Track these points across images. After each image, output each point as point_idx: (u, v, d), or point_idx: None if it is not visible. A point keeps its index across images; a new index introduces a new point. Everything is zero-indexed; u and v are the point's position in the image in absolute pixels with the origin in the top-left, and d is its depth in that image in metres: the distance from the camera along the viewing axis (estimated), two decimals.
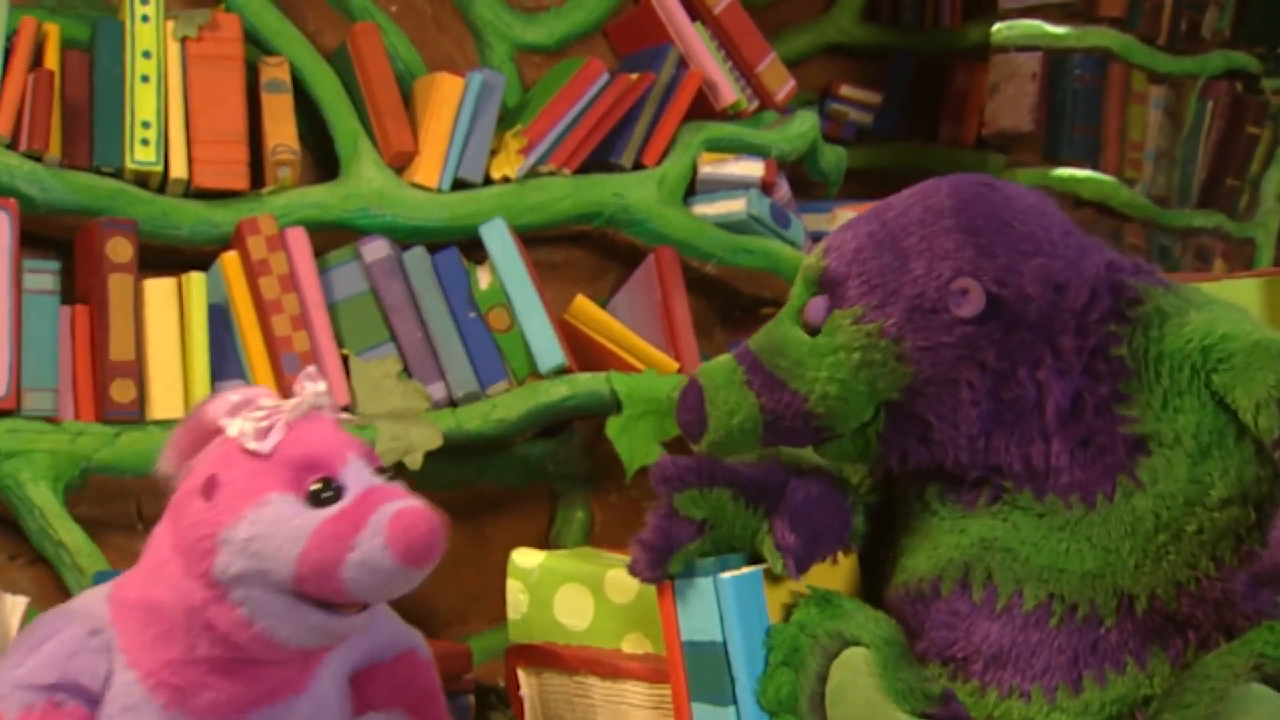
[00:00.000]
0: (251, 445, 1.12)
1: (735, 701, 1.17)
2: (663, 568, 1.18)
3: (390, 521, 1.08)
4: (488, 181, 1.91)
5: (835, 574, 1.28)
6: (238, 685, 1.13)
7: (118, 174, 1.68)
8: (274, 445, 1.12)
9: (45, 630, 1.14)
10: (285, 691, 1.16)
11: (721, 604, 1.17)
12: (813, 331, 1.15)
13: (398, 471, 1.71)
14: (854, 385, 1.12)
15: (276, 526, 1.09)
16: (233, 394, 1.16)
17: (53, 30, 1.66)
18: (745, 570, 1.20)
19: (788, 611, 1.20)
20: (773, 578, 1.21)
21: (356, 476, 1.13)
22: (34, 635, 1.14)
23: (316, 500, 1.11)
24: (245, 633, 1.10)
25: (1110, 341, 1.11)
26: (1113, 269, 1.14)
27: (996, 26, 2.39)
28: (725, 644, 1.17)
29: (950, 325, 1.10)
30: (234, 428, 1.13)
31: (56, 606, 1.19)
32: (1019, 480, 1.14)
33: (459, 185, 1.88)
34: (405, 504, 1.10)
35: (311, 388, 1.17)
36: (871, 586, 1.30)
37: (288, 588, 1.09)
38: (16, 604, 1.31)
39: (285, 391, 1.69)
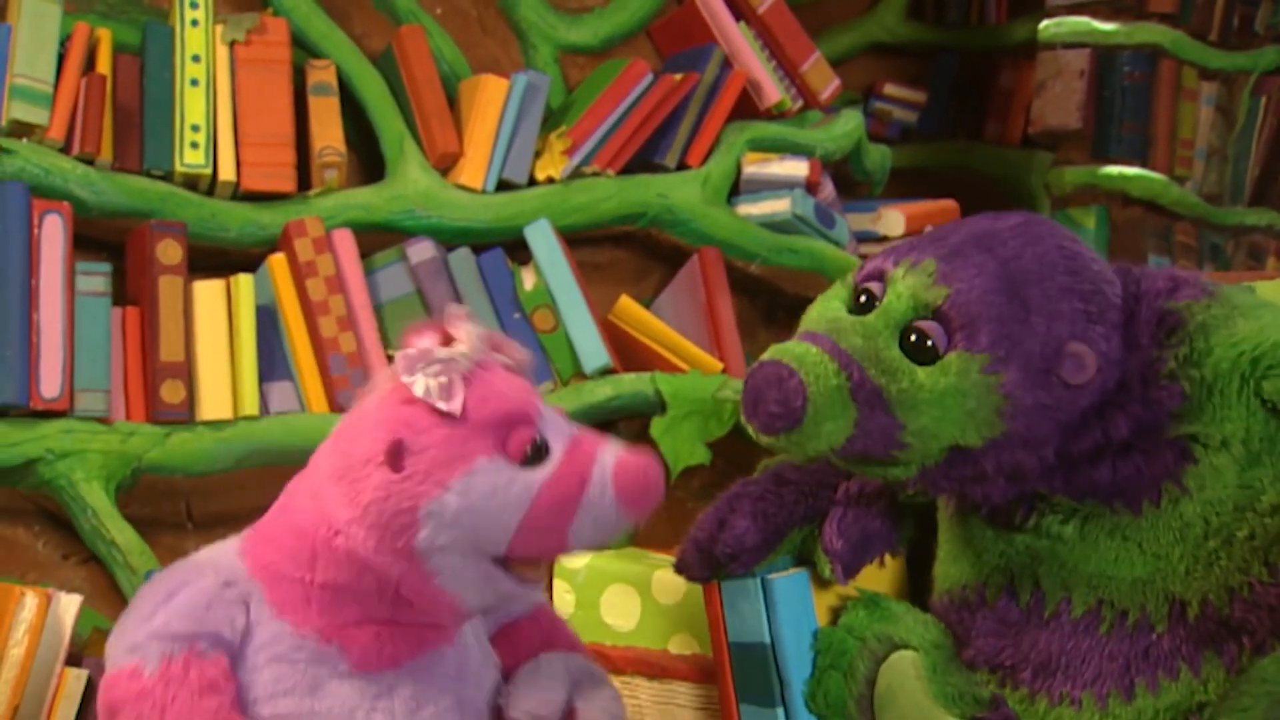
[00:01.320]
0: (442, 406, 1.02)
1: (783, 703, 1.16)
2: (715, 570, 1.18)
3: (615, 475, 1.03)
4: (532, 182, 1.92)
5: (882, 576, 1.27)
6: (399, 639, 1.08)
7: (167, 177, 1.69)
8: (462, 404, 1.03)
9: (172, 582, 1.08)
10: (439, 640, 1.11)
11: (769, 605, 1.17)
12: (918, 357, 1.08)
13: None
14: (952, 430, 1.07)
15: (492, 496, 1.02)
16: (403, 352, 1.07)
17: (105, 35, 1.68)
18: (793, 571, 1.20)
19: (835, 614, 1.20)
20: (820, 579, 1.21)
21: (554, 426, 1.06)
22: (159, 588, 1.08)
23: (528, 461, 1.03)
24: (432, 599, 1.05)
25: (1162, 364, 1.10)
26: (1156, 296, 1.12)
27: (1044, 23, 2.37)
28: (773, 645, 1.17)
29: (1055, 387, 1.07)
30: (419, 387, 1.03)
31: (178, 562, 1.13)
32: (1057, 490, 1.12)
33: (504, 186, 1.89)
34: (620, 453, 1.04)
35: (472, 331, 1.08)
36: (919, 588, 1.29)
37: (496, 554, 1.03)
38: (71, 602, 1.33)
39: (332, 392, 1.70)
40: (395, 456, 1.02)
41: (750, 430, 1.09)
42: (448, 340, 1.08)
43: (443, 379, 1.03)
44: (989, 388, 1.06)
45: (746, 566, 1.18)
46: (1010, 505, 1.14)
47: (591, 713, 1.12)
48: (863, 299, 1.13)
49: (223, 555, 1.11)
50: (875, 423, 1.07)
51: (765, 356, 1.08)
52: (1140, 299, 1.11)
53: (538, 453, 1.04)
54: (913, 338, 1.08)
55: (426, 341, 1.07)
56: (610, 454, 1.05)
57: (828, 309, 1.14)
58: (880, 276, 1.13)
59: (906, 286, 1.10)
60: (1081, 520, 1.12)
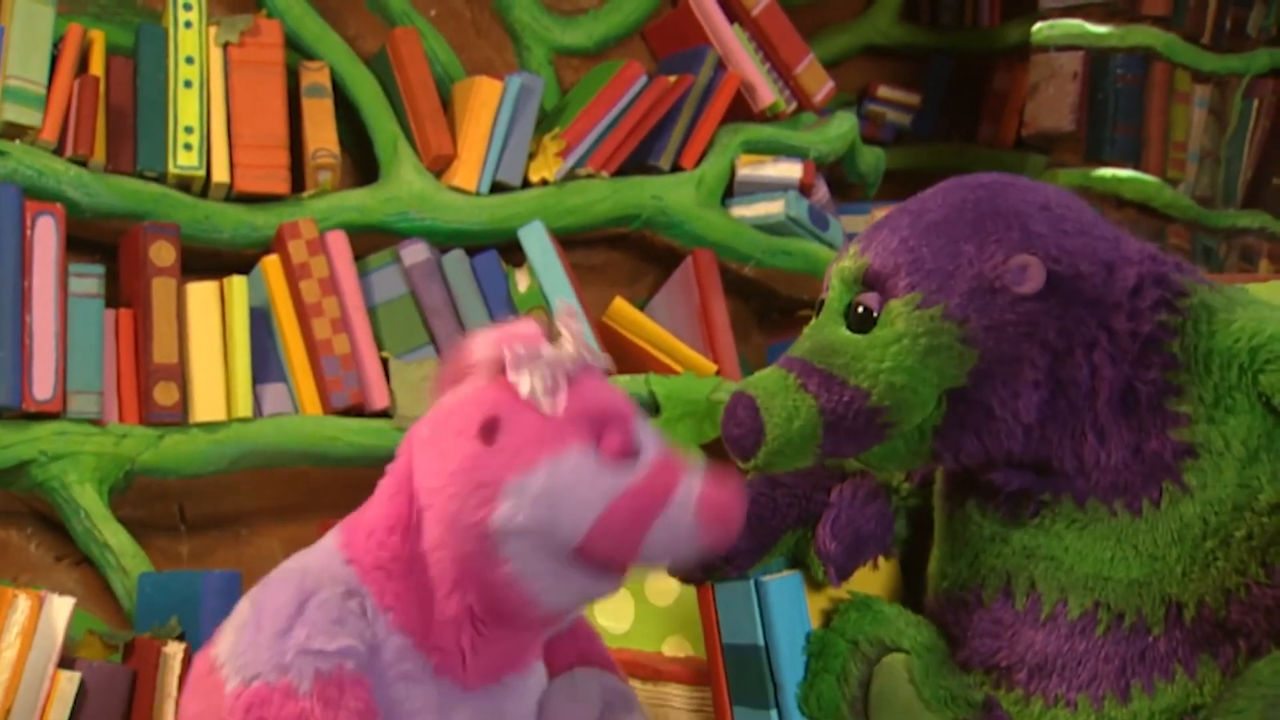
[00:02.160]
0: (545, 404, 1.02)
1: (777, 705, 1.16)
2: (708, 573, 1.18)
3: (701, 497, 1.03)
4: (526, 184, 1.92)
5: (876, 578, 1.27)
6: (498, 648, 1.07)
7: (161, 178, 1.69)
8: (564, 404, 1.03)
9: (295, 593, 1.03)
10: (529, 659, 1.11)
11: (763, 607, 1.17)
12: (864, 327, 1.10)
13: None
14: (921, 373, 1.07)
15: (577, 484, 1.01)
16: (510, 344, 1.05)
17: (98, 37, 1.68)
18: (786, 574, 1.20)
19: (827, 617, 1.19)
20: (814, 582, 1.21)
21: (648, 436, 1.06)
22: (284, 598, 1.03)
23: (615, 461, 1.02)
24: (509, 591, 1.03)
25: (1161, 333, 1.09)
26: (1155, 260, 1.13)
27: (1037, 26, 2.37)
28: (766, 647, 1.17)
29: (1012, 303, 1.07)
30: (525, 386, 1.03)
31: (282, 571, 1.09)
32: (1063, 485, 1.12)
33: (497, 188, 1.89)
34: (709, 479, 1.04)
35: (579, 331, 1.08)
36: (913, 590, 1.30)
37: (566, 549, 1.02)
38: (63, 604, 1.33)
39: (325, 394, 1.70)
40: (489, 431, 1.02)
41: (748, 469, 1.11)
42: (551, 335, 1.08)
43: (549, 380, 1.04)
44: (934, 319, 1.07)
45: (740, 570, 1.18)
46: (1014, 502, 1.14)
47: None
48: (818, 312, 1.17)
49: (330, 561, 1.08)
50: (841, 399, 1.08)
51: (729, 394, 1.13)
52: (1147, 259, 1.12)
53: (629, 455, 1.03)
54: (859, 310, 1.11)
55: (532, 328, 1.07)
56: (698, 477, 1.05)
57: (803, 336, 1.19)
58: (826, 285, 1.17)
59: (837, 274, 1.14)
60: (1081, 525, 1.12)
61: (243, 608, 1.06)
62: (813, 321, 1.16)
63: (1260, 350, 1.07)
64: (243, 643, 1.02)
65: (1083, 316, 1.08)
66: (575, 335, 1.07)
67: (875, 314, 1.10)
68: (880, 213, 2.25)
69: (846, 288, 1.13)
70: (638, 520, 1.02)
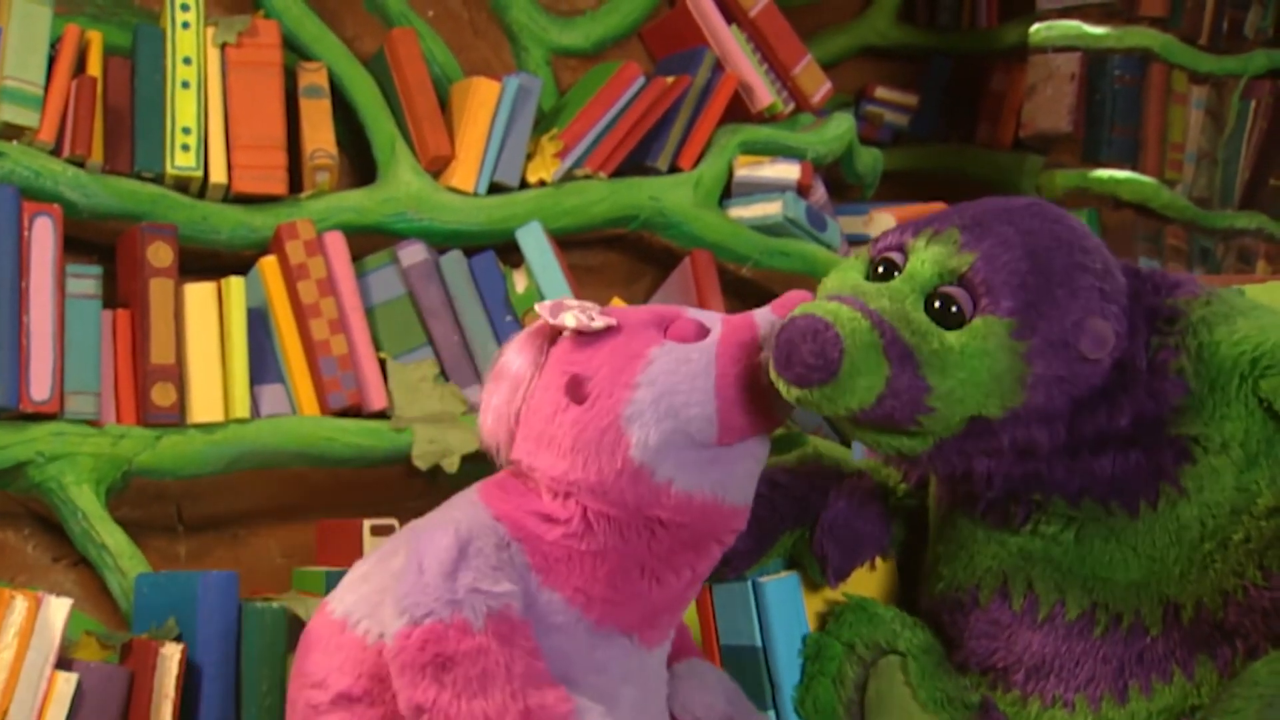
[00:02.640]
0: (598, 324, 1.04)
1: (774, 706, 1.16)
2: None
3: (773, 306, 1.07)
4: (524, 185, 1.92)
5: (872, 579, 1.27)
6: (663, 587, 1.06)
7: (158, 179, 1.69)
8: (613, 319, 1.05)
9: (455, 543, 1.03)
10: (681, 606, 1.10)
11: (760, 609, 1.17)
12: (945, 322, 1.07)
13: (434, 475, 1.72)
14: (977, 395, 1.06)
15: (676, 374, 1.01)
16: (540, 312, 1.08)
17: (95, 37, 1.67)
18: (783, 575, 1.20)
19: (823, 619, 1.20)
20: (811, 583, 1.21)
21: (703, 315, 1.08)
22: (444, 545, 1.03)
23: (691, 338, 1.04)
24: (688, 509, 1.02)
25: (1168, 357, 1.10)
26: (1150, 293, 1.13)
27: (1035, 27, 2.38)
28: (764, 648, 1.17)
29: (1072, 361, 1.07)
30: (570, 319, 1.05)
31: (431, 522, 1.08)
32: (1054, 487, 1.12)
33: (495, 189, 1.89)
34: (774, 302, 1.09)
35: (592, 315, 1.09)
36: (909, 592, 1.30)
37: (711, 435, 1.02)
38: (61, 605, 1.32)
39: (323, 395, 1.70)
40: (576, 389, 1.03)
41: (781, 386, 1.06)
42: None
43: (589, 311, 1.05)
44: (1014, 353, 1.06)
45: (738, 571, 1.18)
46: (1007, 506, 1.14)
47: None
48: (881, 269, 1.13)
49: (479, 515, 1.08)
50: (905, 382, 1.05)
51: (796, 313, 1.06)
52: (1140, 292, 1.12)
53: (700, 331, 1.05)
54: (938, 304, 1.08)
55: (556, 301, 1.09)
56: (763, 308, 1.07)
57: (846, 278, 1.14)
58: (900, 248, 1.13)
59: (930, 254, 1.10)
60: (1078, 526, 1.12)
61: (387, 562, 1.06)
62: (856, 276, 1.13)
63: (1262, 359, 1.08)
64: (405, 586, 1.01)
65: (1106, 371, 1.09)
66: (580, 305, 1.09)
67: (966, 318, 1.07)
68: (878, 214, 2.26)
69: (939, 274, 1.10)
70: (745, 358, 1.02)
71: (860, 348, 1.04)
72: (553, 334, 1.08)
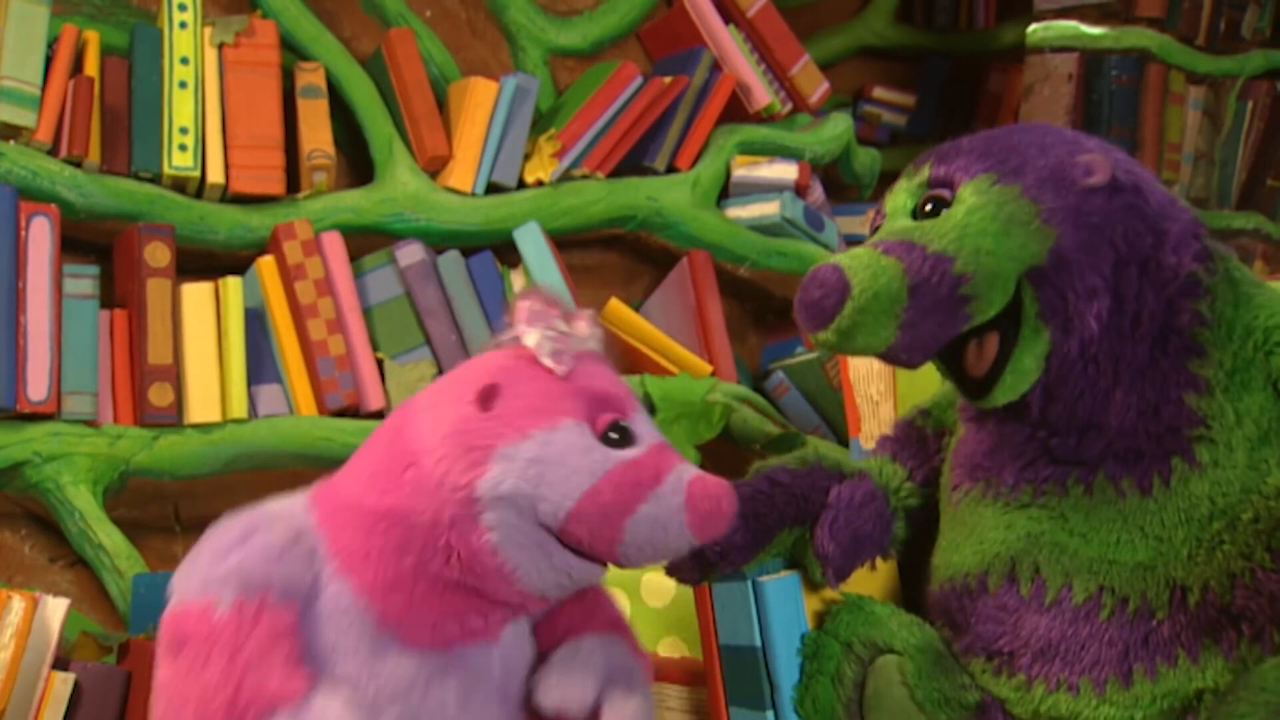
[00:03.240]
0: (549, 361, 1.03)
1: (773, 706, 1.16)
2: (704, 571, 1.18)
3: (691, 484, 1.01)
4: (521, 185, 1.92)
5: (873, 578, 1.27)
6: (452, 616, 1.06)
7: (156, 179, 1.69)
8: (570, 369, 1.03)
9: (246, 527, 1.06)
10: (484, 634, 1.09)
11: (759, 608, 1.17)
12: (935, 214, 1.08)
13: None
14: (1003, 241, 1.05)
15: (568, 455, 1.00)
16: (529, 301, 1.07)
17: (92, 37, 1.67)
18: (784, 574, 1.20)
19: (821, 619, 1.19)
20: (811, 583, 1.21)
21: (645, 426, 1.05)
22: (233, 531, 1.06)
23: (609, 440, 1.02)
24: (486, 562, 1.02)
25: (1194, 285, 1.10)
26: (1195, 221, 1.14)
27: (1032, 28, 2.38)
28: (763, 648, 1.17)
29: (1082, 193, 1.07)
30: (532, 338, 1.04)
31: (242, 513, 1.11)
32: (1075, 458, 1.12)
33: (493, 189, 1.89)
34: (701, 471, 1.03)
35: (588, 327, 1.08)
36: (909, 591, 1.30)
37: (552, 523, 1.01)
38: (58, 605, 1.32)
39: (321, 395, 1.70)
40: (487, 398, 1.02)
41: (823, 339, 1.06)
42: (568, 315, 1.09)
43: (557, 342, 1.04)
44: (1011, 196, 1.06)
45: (735, 565, 1.17)
46: (1023, 482, 1.15)
47: None
48: (871, 235, 1.16)
49: (294, 507, 1.10)
50: (926, 263, 1.05)
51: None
52: (1189, 217, 1.13)
53: (623, 437, 1.03)
54: (927, 207, 1.10)
55: (554, 302, 1.07)
56: (690, 468, 1.04)
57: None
58: (880, 212, 1.17)
59: (899, 187, 1.14)
60: (1088, 507, 1.12)
61: None
62: (882, 226, 1.14)
63: (1275, 331, 1.09)
64: (181, 569, 1.05)
65: (1140, 231, 1.09)
66: (591, 324, 1.08)
67: (949, 200, 1.09)
68: (874, 213, 2.26)
69: (911, 193, 1.12)
70: (624, 499, 1.00)
71: (857, 258, 1.06)
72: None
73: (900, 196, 1.13)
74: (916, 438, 1.29)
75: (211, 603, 1.02)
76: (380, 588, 1.05)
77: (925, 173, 1.12)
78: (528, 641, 1.14)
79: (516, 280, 1.87)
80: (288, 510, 1.09)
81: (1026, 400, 1.12)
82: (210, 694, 1.00)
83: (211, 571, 1.03)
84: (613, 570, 1.46)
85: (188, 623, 1.02)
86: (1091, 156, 1.09)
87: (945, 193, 1.09)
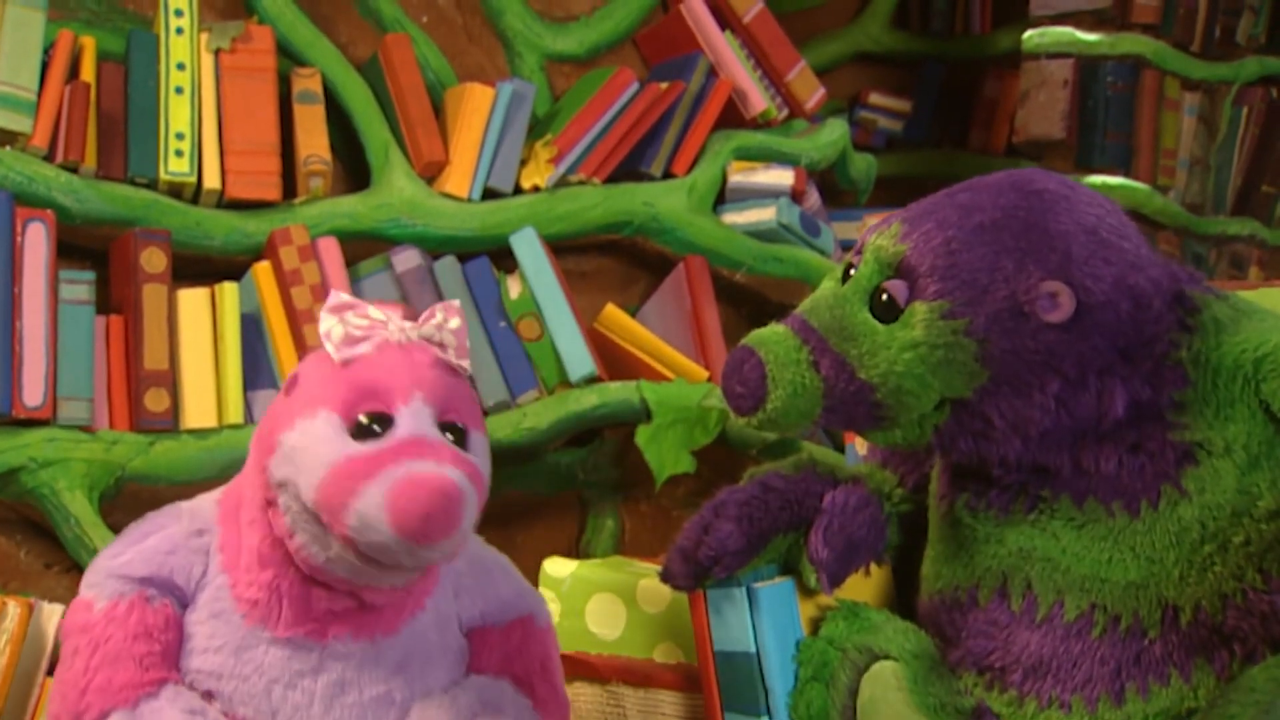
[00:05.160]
0: (329, 348, 1.08)
1: (768, 712, 1.16)
2: (699, 576, 1.18)
3: (396, 481, 0.99)
4: (518, 191, 1.92)
5: (867, 585, 1.27)
6: (313, 608, 1.09)
7: (152, 185, 1.69)
8: (350, 358, 1.07)
9: (151, 525, 1.14)
10: (372, 629, 1.12)
11: (754, 614, 1.17)
12: (885, 317, 1.10)
13: None
14: (929, 381, 1.08)
15: (313, 446, 1.05)
16: (340, 292, 1.12)
17: (89, 43, 1.67)
18: (778, 580, 1.20)
19: (816, 625, 1.19)
20: (806, 589, 1.21)
21: (413, 420, 1.06)
22: (139, 529, 1.14)
23: (359, 432, 1.05)
24: (291, 544, 1.07)
25: (1173, 348, 1.10)
26: (1174, 279, 1.13)
27: (1028, 33, 2.38)
28: (758, 654, 1.17)
29: (1036, 330, 1.07)
30: (324, 324, 1.09)
31: (172, 504, 1.18)
32: (1061, 484, 1.13)
33: (489, 195, 1.89)
34: (426, 468, 1.00)
35: (440, 320, 1.11)
36: (904, 597, 1.30)
37: (309, 507, 1.05)
38: (53, 611, 1.32)
39: None
40: (289, 387, 1.11)
41: (740, 423, 1.14)
42: (409, 319, 1.14)
43: (357, 332, 1.09)
44: (955, 333, 1.07)
45: (729, 570, 1.17)
46: (1013, 500, 1.15)
47: None
48: (850, 272, 1.16)
49: (205, 501, 1.16)
50: (848, 389, 1.10)
51: (741, 341, 1.14)
52: (1167, 279, 1.12)
53: (365, 430, 1.06)
54: (884, 297, 1.11)
55: (387, 305, 1.14)
56: (416, 466, 1.01)
57: (821, 288, 1.18)
58: (861, 249, 1.16)
59: (872, 251, 1.13)
60: (1079, 526, 1.12)
61: None
62: (831, 285, 1.16)
63: (1264, 360, 1.09)
64: (92, 562, 1.13)
65: (1100, 347, 1.09)
66: (442, 324, 1.10)
67: (900, 307, 1.10)
68: (872, 219, 2.26)
69: (879, 270, 1.12)
70: (340, 489, 1.03)
71: (784, 365, 1.09)
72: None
73: (871, 263, 1.13)
74: None
75: (92, 600, 1.09)
76: (245, 581, 1.11)
77: (901, 252, 1.10)
78: (454, 645, 1.17)
79: (513, 286, 1.87)
80: (200, 504, 1.16)
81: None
82: (68, 686, 1.06)
83: (99, 569, 1.11)
84: (609, 576, 1.46)
85: (71, 618, 1.10)
86: (1057, 288, 1.06)
87: (901, 293, 1.09)
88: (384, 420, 1.06)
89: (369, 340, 1.08)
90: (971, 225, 1.09)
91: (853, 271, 1.15)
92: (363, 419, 1.05)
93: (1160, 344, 1.10)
